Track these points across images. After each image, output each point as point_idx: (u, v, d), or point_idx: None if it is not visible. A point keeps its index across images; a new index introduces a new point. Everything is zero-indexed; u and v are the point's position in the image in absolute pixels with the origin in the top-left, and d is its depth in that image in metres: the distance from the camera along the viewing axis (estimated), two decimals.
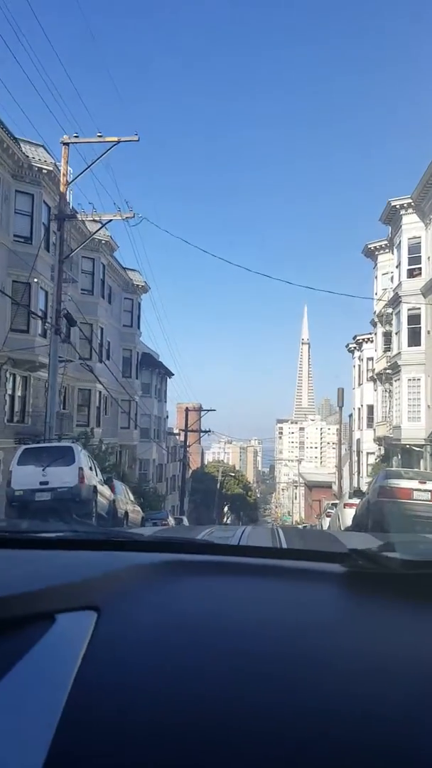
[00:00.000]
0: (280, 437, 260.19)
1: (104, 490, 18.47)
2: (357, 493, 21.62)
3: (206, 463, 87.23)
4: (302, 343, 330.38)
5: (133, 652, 0.96)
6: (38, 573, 1.29)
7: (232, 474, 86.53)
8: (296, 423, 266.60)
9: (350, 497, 21.84)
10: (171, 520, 31.59)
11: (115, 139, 22.51)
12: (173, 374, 54.86)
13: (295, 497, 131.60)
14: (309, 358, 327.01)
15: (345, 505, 21.10)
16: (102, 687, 0.88)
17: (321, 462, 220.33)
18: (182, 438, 61.86)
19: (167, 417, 58.97)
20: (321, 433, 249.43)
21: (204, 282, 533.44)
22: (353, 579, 1.30)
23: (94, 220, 22.72)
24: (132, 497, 24.81)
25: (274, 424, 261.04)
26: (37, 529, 2.14)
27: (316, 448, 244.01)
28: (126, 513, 21.88)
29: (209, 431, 52.96)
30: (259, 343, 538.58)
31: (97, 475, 17.74)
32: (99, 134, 22.46)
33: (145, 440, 46.65)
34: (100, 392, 35.16)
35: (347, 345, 50.46)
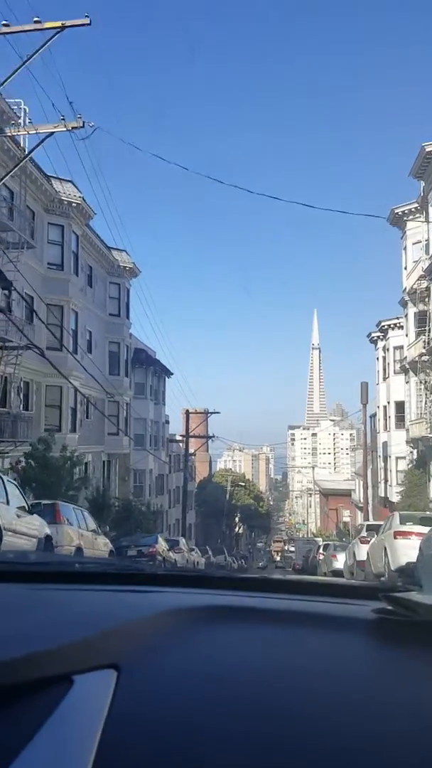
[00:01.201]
0: (292, 444, 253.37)
1: (27, 522, 11.90)
2: (425, 520, 14.96)
3: (214, 472, 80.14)
4: (312, 348, 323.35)
5: (156, 712, 0.90)
6: (52, 622, 1.18)
7: (242, 483, 79.47)
8: (308, 429, 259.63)
9: (405, 523, 15.13)
10: (161, 546, 24.87)
11: (59, 24, 16.00)
12: (172, 373, 48.26)
13: (310, 505, 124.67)
14: (320, 363, 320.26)
15: (397, 534, 14.47)
16: (126, 753, 0.83)
17: (335, 468, 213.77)
18: (185, 445, 55.54)
19: (167, 422, 52.22)
20: (334, 439, 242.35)
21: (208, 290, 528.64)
22: (383, 625, 1.23)
23: (28, 133, 16.04)
24: (92, 525, 18.10)
25: (286, 431, 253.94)
26: (48, 560, 2.13)
27: (329, 454, 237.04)
28: (79, 548, 15.28)
29: (213, 437, 46.31)
30: (269, 349, 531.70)
31: (8, 503, 11.20)
32: (36, 19, 15.95)
33: (140, 448, 39.98)
34: (76, 390, 28.51)
35: (369, 335, 43.63)
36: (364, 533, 19.89)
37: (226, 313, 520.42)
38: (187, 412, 45.06)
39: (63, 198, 27.41)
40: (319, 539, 65.18)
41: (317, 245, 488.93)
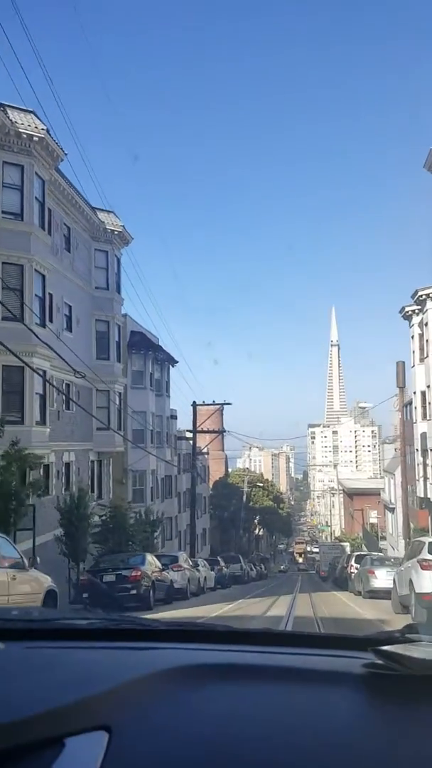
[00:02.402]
0: (313, 442, 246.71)
1: None
2: None
3: (230, 472, 73.93)
4: (332, 345, 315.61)
5: None
6: (46, 683, 1.18)
7: (260, 484, 73.17)
8: (328, 427, 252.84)
9: None
10: (149, 567, 18.96)
11: None
12: (176, 362, 42.24)
13: (333, 505, 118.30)
14: (339, 360, 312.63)
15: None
16: None
17: (357, 466, 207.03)
18: (197, 444, 49.38)
19: (173, 417, 46.21)
20: (355, 436, 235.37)
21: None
22: (372, 680, 1.21)
23: None
24: (11, 555, 12.07)
25: (306, 430, 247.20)
26: (50, 617, 2.03)
27: (350, 452, 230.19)
28: None
29: (224, 431, 40.24)
30: (287, 348, 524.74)
31: None
32: None
33: (141, 446, 34.06)
34: (44, 373, 22.63)
35: (402, 310, 37.39)
36: (427, 554, 13.84)
37: (242, 307, 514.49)
38: (194, 404, 39.15)
39: (21, 131, 21.58)
40: (347, 544, 58.87)
41: (336, 234, 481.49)
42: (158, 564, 20.59)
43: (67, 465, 26.65)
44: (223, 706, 1.13)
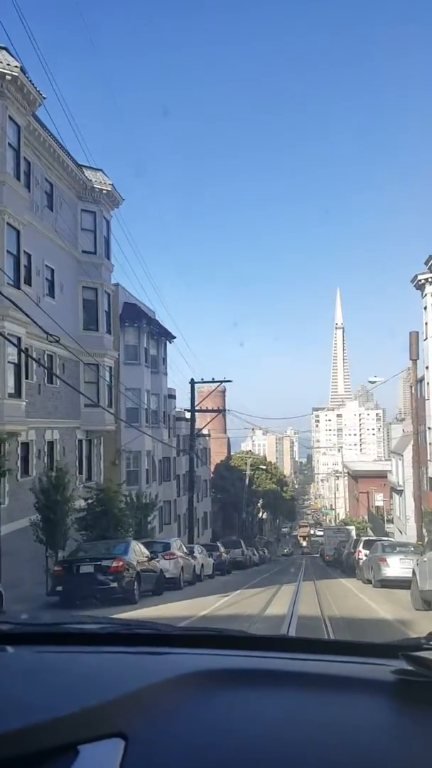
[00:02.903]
0: (317, 425, 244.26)
1: None
2: None
3: (232, 455, 71.59)
4: (336, 328, 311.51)
5: None
6: (60, 688, 1.16)
7: (263, 467, 70.86)
8: (333, 410, 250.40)
9: None
10: (134, 556, 16.68)
11: None
12: (174, 337, 39.79)
13: (337, 489, 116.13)
14: (344, 343, 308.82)
15: None
16: None
17: (361, 449, 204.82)
18: (196, 425, 46.98)
19: (171, 396, 43.83)
20: (360, 419, 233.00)
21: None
22: (403, 687, 1.16)
23: None
24: None
25: (310, 413, 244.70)
26: (61, 621, 1.89)
27: (354, 435, 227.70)
28: None
29: (223, 411, 37.90)
30: (291, 330, 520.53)
31: None
32: None
33: (135, 425, 31.74)
34: (19, 341, 20.27)
35: (414, 278, 34.79)
36: None
37: (246, 291, 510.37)
38: (193, 382, 36.76)
39: None
40: (352, 528, 56.65)
41: (342, 213, 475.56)
42: (146, 552, 18.31)
43: (51, 444, 24.33)
44: (244, 712, 1.09)
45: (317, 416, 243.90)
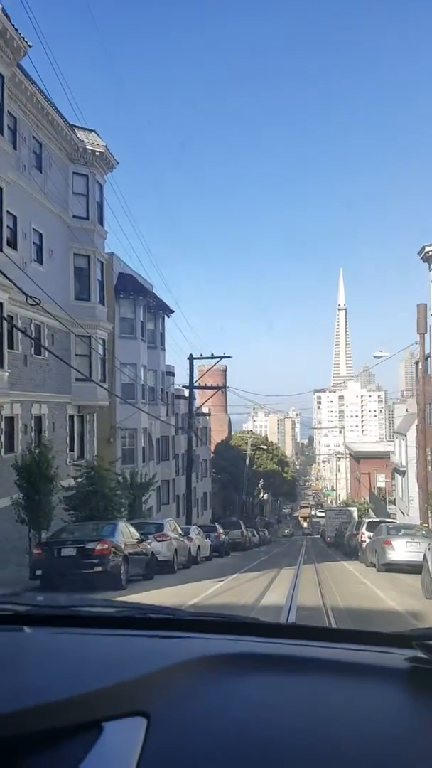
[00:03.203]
0: (319, 407, 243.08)
1: None
2: None
3: (233, 434, 70.28)
4: (339, 309, 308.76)
5: (187, 762, 0.90)
6: (80, 668, 1.18)
7: (264, 446, 69.61)
8: (335, 392, 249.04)
9: None
10: (122, 538, 15.44)
11: None
12: (172, 311, 38.30)
13: (339, 470, 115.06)
14: (346, 325, 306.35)
15: None
16: None
17: (362, 431, 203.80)
18: (196, 402, 45.64)
19: (170, 373, 42.44)
20: (362, 401, 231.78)
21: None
22: (418, 675, 1.16)
23: None
24: None
25: (312, 394, 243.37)
26: (75, 603, 1.87)
27: (356, 416, 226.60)
28: None
29: (222, 387, 36.55)
30: (293, 312, 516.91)
31: None
32: None
33: (131, 401, 30.41)
34: (1, 306, 18.88)
35: (421, 250, 33.21)
36: None
37: (248, 271, 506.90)
38: (191, 358, 35.36)
39: None
40: (354, 509, 55.50)
41: (345, 194, 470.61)
42: (135, 534, 17.05)
43: (38, 419, 23.01)
44: (262, 696, 1.10)
45: (319, 397, 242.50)
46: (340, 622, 9.86)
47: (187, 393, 49.70)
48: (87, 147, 26.53)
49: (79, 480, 21.35)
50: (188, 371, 35.35)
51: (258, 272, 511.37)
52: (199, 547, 25.37)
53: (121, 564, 14.72)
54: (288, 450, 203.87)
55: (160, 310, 36.78)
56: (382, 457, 70.07)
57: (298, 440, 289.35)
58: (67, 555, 14.19)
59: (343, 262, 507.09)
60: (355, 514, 51.54)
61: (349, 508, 55.51)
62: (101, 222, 27.82)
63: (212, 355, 35.41)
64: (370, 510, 57.93)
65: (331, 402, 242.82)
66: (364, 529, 26.13)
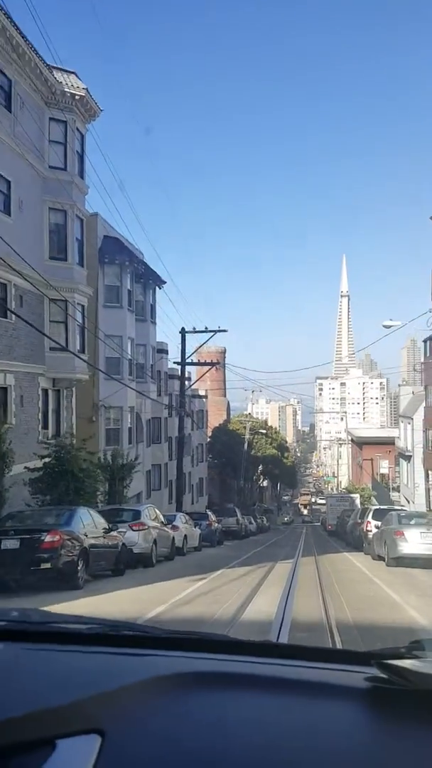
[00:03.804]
0: (320, 394, 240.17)
1: None
2: None
3: (231, 418, 67.34)
4: (341, 296, 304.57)
5: None
6: (40, 684, 1.18)
7: (263, 431, 66.75)
8: (336, 379, 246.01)
9: None
10: (83, 528, 12.67)
11: None
12: (164, 282, 35.25)
13: (340, 456, 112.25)
14: (348, 312, 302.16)
15: None
16: None
17: (364, 418, 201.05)
18: (194, 386, 42.83)
19: (163, 351, 39.50)
20: (363, 388, 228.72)
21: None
22: (375, 694, 1.15)
23: None
24: None
25: (314, 382, 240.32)
26: (49, 620, 1.89)
27: (358, 404, 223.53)
28: None
29: (217, 364, 33.66)
30: (296, 299, 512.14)
31: None
32: None
33: (116, 377, 27.58)
34: None
35: None
36: None
37: (250, 255, 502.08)
38: (183, 331, 32.51)
39: None
40: (356, 495, 52.74)
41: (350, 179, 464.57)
42: (101, 523, 14.28)
43: (4, 390, 20.18)
44: (217, 715, 1.10)
45: (320, 384, 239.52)
46: (350, 644, 7.09)
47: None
48: (65, 90, 23.50)
49: (46, 460, 18.58)
50: (182, 349, 32.53)
51: (258, 258, 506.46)
52: (186, 537, 22.64)
53: (78, 559, 11.97)
54: (289, 437, 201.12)
55: (150, 279, 33.77)
56: (385, 443, 67.61)
57: (300, 428, 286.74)
58: (8, 548, 11.43)
59: (347, 248, 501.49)
60: (358, 501, 48.91)
61: (352, 495, 52.79)
62: (81, 175, 24.82)
63: (206, 328, 32.53)
64: (372, 497, 55.40)
65: (333, 389, 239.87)
66: (370, 518, 23.39)
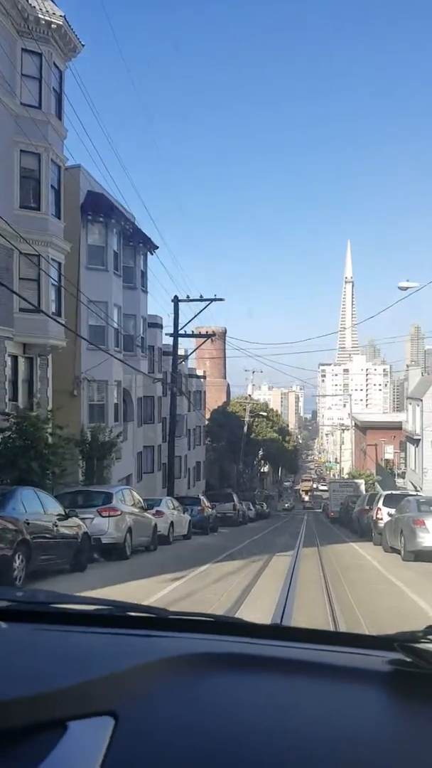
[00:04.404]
0: (323, 380, 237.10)
1: None
2: None
3: (231, 400, 64.39)
4: (345, 282, 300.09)
5: (153, 764, 0.87)
6: (50, 665, 1.14)
7: (264, 413, 63.89)
8: (339, 365, 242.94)
9: None
10: (19, 514, 9.88)
11: None
12: (156, 247, 32.17)
13: (343, 442, 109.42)
14: (353, 298, 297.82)
15: None
16: None
17: (367, 405, 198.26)
18: (193, 368, 39.98)
19: (154, 324, 36.52)
20: (367, 374, 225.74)
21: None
22: (399, 677, 1.13)
23: None
24: None
25: (317, 368, 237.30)
26: (56, 600, 1.80)
27: (361, 390, 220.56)
28: None
29: (212, 336, 30.73)
30: (300, 285, 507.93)
31: None
32: None
33: (102, 348, 24.74)
34: None
35: None
36: None
37: (253, 242, 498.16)
38: (176, 300, 29.66)
39: None
40: (361, 481, 49.96)
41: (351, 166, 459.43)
42: (56, 508, 11.52)
43: None
44: (232, 696, 1.07)
45: (323, 371, 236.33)
46: None
47: (182, 353, 44.21)
48: (40, 16, 20.47)
49: (5, 434, 15.80)
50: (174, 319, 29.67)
51: (263, 238, 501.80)
52: (172, 524, 19.91)
53: (14, 553, 9.18)
54: (291, 424, 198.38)
55: (140, 242, 30.73)
56: (390, 427, 65.14)
57: (302, 415, 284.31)
58: None
59: (351, 233, 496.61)
60: (363, 487, 46.21)
61: (356, 481, 50.01)
62: (59, 116, 21.84)
63: (201, 297, 29.62)
64: (376, 483, 52.77)
65: (336, 375, 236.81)
66: (380, 504, 20.59)
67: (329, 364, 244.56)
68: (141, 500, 16.68)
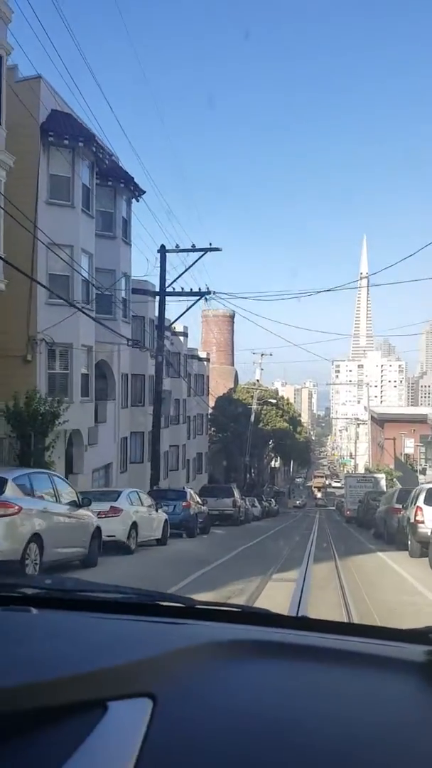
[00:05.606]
0: (337, 376, 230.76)
1: None
2: None
3: (237, 387, 58.63)
4: (360, 278, 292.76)
5: (191, 745, 0.88)
6: (88, 647, 1.15)
7: (273, 401, 58.07)
8: (354, 361, 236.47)
9: None
10: None
11: None
12: (143, 191, 26.38)
13: (357, 436, 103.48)
14: (368, 294, 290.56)
15: None
16: None
17: (381, 401, 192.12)
18: (201, 359, 34.23)
19: (141, 290, 30.68)
20: (381, 371, 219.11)
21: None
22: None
23: None
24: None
25: (330, 365, 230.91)
26: (85, 588, 1.82)
27: (375, 386, 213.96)
28: None
29: (206, 294, 24.96)
30: (315, 280, 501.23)
31: None
32: None
33: (65, 303, 19.14)
34: None
35: None
36: None
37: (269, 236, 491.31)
38: (163, 250, 24.05)
39: None
40: (381, 476, 44.02)
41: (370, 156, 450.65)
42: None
43: None
44: (272, 682, 1.09)
45: (337, 366, 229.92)
46: None
47: (178, 327, 38.59)
48: None
49: None
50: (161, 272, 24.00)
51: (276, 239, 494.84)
52: (134, 525, 14.23)
53: None
54: (304, 420, 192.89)
55: (122, 183, 25.01)
56: (411, 420, 60.17)
57: (315, 411, 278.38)
58: None
59: (368, 228, 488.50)
60: (383, 483, 40.44)
61: (376, 475, 44.09)
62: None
63: (193, 246, 23.91)
64: (395, 479, 47.03)
65: (350, 371, 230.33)
66: (421, 502, 14.80)
67: (343, 360, 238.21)
68: (66, 492, 10.99)
